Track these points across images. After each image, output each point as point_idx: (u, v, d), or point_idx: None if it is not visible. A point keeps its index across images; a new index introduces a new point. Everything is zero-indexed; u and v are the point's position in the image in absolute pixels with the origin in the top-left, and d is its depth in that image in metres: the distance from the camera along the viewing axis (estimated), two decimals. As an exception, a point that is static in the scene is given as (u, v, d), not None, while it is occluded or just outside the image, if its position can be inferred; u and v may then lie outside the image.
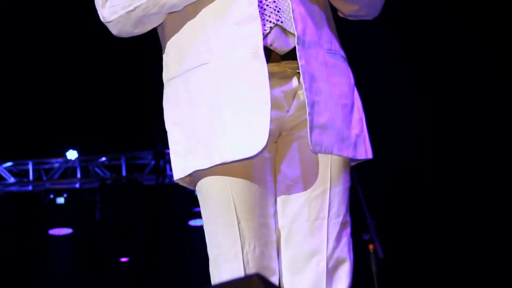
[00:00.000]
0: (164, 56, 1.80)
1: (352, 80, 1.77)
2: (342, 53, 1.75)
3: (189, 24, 1.68)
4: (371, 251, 3.77)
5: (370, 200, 3.86)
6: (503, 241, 6.17)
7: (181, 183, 1.73)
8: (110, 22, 1.71)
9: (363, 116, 1.74)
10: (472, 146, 6.52)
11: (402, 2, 5.77)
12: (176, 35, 1.72)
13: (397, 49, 6.57)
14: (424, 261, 6.16)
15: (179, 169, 1.64)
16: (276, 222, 1.65)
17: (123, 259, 5.83)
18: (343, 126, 1.66)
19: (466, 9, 6.52)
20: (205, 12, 1.64)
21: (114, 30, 1.73)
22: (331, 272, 1.62)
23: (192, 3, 1.61)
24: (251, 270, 1.60)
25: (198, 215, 2.53)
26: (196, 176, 1.62)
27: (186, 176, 1.63)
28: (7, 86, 6.56)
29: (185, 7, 1.62)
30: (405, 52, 6.63)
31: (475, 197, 6.38)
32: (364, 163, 2.04)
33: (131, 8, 1.64)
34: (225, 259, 1.59)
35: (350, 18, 1.88)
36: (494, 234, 6.22)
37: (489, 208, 6.32)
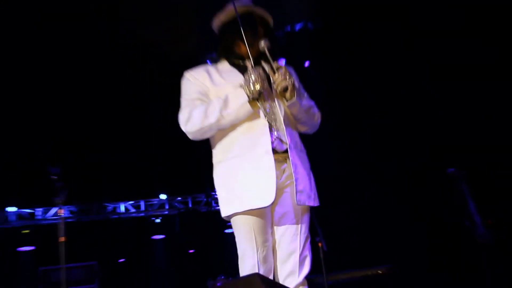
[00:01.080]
0: (213, 149, 2.66)
1: (309, 164, 2.67)
2: (304, 150, 2.68)
3: (228, 132, 2.56)
4: (320, 247, 4.69)
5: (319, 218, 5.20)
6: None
7: (224, 218, 2.60)
8: (189, 133, 2.57)
9: (314, 184, 2.65)
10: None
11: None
12: (220, 138, 2.60)
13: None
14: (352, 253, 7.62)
15: (225, 212, 2.55)
16: (272, 237, 2.57)
17: (191, 251, 9.98)
18: (309, 190, 2.58)
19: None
20: (237, 128, 2.53)
21: (191, 136, 2.60)
22: (301, 263, 2.57)
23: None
24: (261, 262, 2.49)
25: (228, 227, 3.07)
26: (232, 215, 2.52)
27: (225, 216, 2.55)
28: (118, 151, 8.88)
29: None
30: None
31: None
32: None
33: (202, 126, 2.51)
34: (247, 257, 2.49)
35: (302, 133, 2.78)
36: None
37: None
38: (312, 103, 2.78)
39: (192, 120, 2.52)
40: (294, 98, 2.56)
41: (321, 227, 4.92)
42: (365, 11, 7.70)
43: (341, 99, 8.59)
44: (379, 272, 6.82)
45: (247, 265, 2.48)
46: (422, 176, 7.63)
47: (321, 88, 8.72)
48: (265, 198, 2.41)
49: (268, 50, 2.58)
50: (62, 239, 3.95)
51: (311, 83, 9.27)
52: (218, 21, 2.82)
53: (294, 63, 8.16)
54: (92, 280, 8.26)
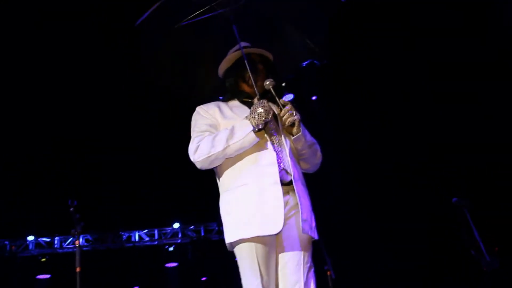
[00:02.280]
0: (220, 178, 2.73)
1: (309, 198, 2.72)
2: (305, 183, 2.73)
3: (236, 162, 2.63)
4: (329, 275, 5.28)
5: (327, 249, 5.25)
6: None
7: (227, 246, 2.61)
8: (197, 162, 2.65)
9: (314, 217, 2.70)
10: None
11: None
12: (228, 167, 2.67)
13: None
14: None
15: (230, 237, 2.57)
16: (276, 267, 2.59)
17: (203, 278, 10.08)
18: (310, 221, 2.66)
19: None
20: (246, 157, 2.61)
21: (198, 165, 2.66)
22: None
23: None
24: (265, 286, 2.48)
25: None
26: (236, 242, 2.54)
27: (229, 243, 2.56)
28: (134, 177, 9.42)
29: None
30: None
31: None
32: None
33: (209, 155, 2.60)
34: (251, 284, 2.49)
35: (304, 171, 2.85)
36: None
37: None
38: (314, 140, 2.86)
39: (199, 150, 2.61)
40: (300, 133, 2.67)
41: (330, 256, 5.21)
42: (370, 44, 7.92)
43: (348, 131, 8.76)
44: (388, 300, 7.00)
45: None
46: (428, 204, 7.71)
47: (328, 121, 8.91)
48: (273, 226, 2.47)
49: (273, 88, 2.69)
50: (78, 269, 3.98)
51: (318, 116, 9.59)
52: (222, 68, 3.00)
53: (301, 98, 8.40)
54: (107, 308, 8.38)
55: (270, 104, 2.68)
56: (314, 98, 9.76)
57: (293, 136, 2.69)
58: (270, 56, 2.99)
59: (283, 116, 2.63)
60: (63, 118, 8.61)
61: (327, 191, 8.40)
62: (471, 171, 7.48)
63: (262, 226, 2.47)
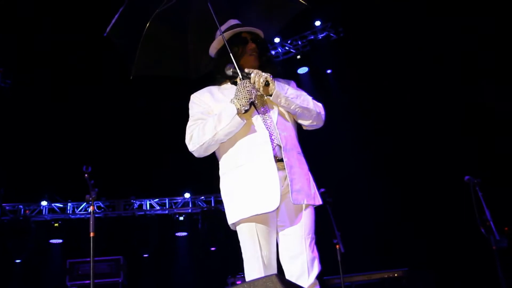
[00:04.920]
0: (219, 161, 2.82)
1: (307, 166, 2.78)
2: (302, 152, 2.78)
3: (232, 144, 2.70)
4: (337, 248, 5.49)
5: (337, 220, 5.50)
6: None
7: (230, 226, 2.71)
8: (193, 151, 2.74)
9: (314, 183, 2.75)
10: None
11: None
12: (225, 150, 2.74)
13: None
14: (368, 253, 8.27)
15: (232, 218, 2.65)
16: (277, 240, 2.67)
17: (212, 248, 10.20)
18: (307, 189, 2.68)
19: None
20: (241, 140, 2.68)
21: (195, 154, 2.75)
22: (310, 263, 2.62)
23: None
24: (265, 263, 2.60)
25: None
26: (238, 222, 2.62)
27: (231, 224, 2.65)
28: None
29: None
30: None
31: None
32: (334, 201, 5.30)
33: (201, 144, 2.67)
34: (252, 259, 2.60)
35: (309, 128, 2.89)
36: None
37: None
38: (302, 92, 2.85)
39: (193, 139, 2.70)
40: (276, 89, 2.66)
41: (339, 229, 5.33)
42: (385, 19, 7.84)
43: (362, 106, 8.72)
44: (396, 275, 7.06)
45: (253, 269, 2.59)
46: (439, 182, 7.69)
47: (343, 95, 8.85)
48: (270, 203, 2.53)
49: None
50: (92, 234, 4.04)
51: (332, 90, 9.56)
52: (213, 48, 3.03)
53: (316, 70, 8.38)
54: (118, 274, 8.49)
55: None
56: (329, 71, 9.71)
57: (271, 96, 2.69)
58: (261, 33, 2.98)
59: (255, 80, 2.63)
60: (77, 85, 8.89)
61: (340, 163, 8.51)
62: (485, 149, 7.52)
63: (259, 204, 2.53)
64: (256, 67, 2.82)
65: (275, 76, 2.78)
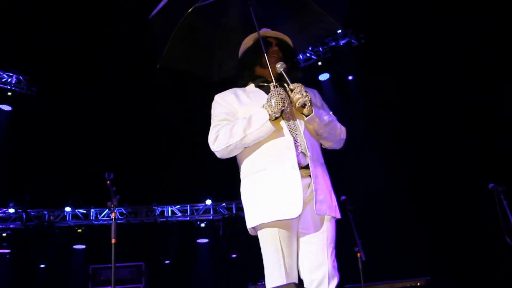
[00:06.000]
0: (240, 165, 2.78)
1: (329, 178, 2.75)
2: (325, 164, 2.78)
3: (255, 148, 2.68)
4: (359, 256, 5.33)
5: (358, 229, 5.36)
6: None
7: (249, 231, 2.70)
8: (216, 151, 2.72)
9: (335, 196, 2.73)
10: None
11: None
12: (247, 154, 2.72)
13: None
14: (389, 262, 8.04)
15: (251, 223, 2.64)
16: (298, 250, 2.64)
17: (233, 255, 10.21)
18: (330, 201, 2.66)
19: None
20: (264, 144, 2.66)
21: (218, 155, 2.74)
22: (331, 273, 2.62)
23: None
24: (288, 272, 2.57)
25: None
26: (259, 227, 2.60)
27: (251, 228, 2.63)
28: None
29: None
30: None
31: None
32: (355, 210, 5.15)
33: (228, 145, 2.66)
34: (274, 268, 2.56)
35: (328, 148, 2.92)
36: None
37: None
38: (333, 118, 2.87)
39: (218, 140, 2.68)
40: (312, 113, 2.68)
41: (361, 238, 5.24)
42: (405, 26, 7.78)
43: (382, 113, 8.65)
44: (418, 284, 6.92)
45: (274, 278, 2.56)
46: (464, 190, 7.59)
47: (363, 102, 8.79)
48: (292, 210, 2.51)
49: (285, 71, 2.74)
50: (113, 240, 4.08)
51: (353, 96, 9.50)
52: (240, 52, 3.05)
53: (338, 77, 8.36)
54: (140, 280, 8.56)
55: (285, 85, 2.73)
56: (350, 78, 9.66)
57: (306, 117, 2.70)
58: (287, 39, 3.00)
59: (294, 98, 2.65)
60: (100, 92, 8.95)
61: (361, 170, 8.46)
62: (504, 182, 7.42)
63: (282, 210, 2.51)
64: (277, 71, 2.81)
65: (298, 81, 2.77)
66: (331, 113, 2.95)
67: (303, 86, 2.70)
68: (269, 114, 2.60)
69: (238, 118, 2.75)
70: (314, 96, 2.95)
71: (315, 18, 3.30)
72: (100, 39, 8.32)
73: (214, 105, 2.86)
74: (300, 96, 2.65)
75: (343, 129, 2.91)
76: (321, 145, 2.89)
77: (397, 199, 8.42)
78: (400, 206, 8.38)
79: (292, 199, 2.52)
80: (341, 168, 5.68)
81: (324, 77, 9.84)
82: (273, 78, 2.76)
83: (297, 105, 2.66)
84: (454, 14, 7.39)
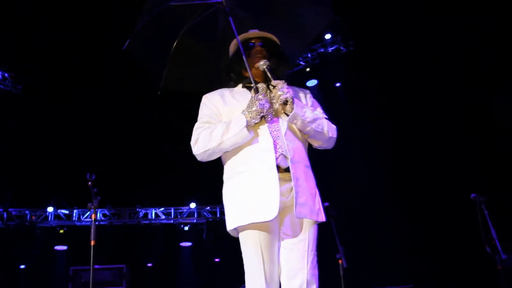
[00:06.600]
0: (223, 166, 2.82)
1: (315, 180, 2.75)
2: (310, 166, 2.76)
3: (236, 150, 2.70)
4: (340, 263, 5.35)
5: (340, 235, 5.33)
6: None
7: (230, 233, 2.69)
8: (196, 155, 2.74)
9: (320, 199, 2.71)
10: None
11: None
12: (229, 156, 2.74)
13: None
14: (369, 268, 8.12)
15: (230, 225, 2.64)
16: (278, 252, 2.63)
17: (217, 259, 10.17)
18: (312, 204, 2.62)
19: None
20: (246, 147, 2.67)
21: (198, 158, 2.75)
22: (310, 280, 2.61)
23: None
24: (268, 278, 2.54)
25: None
26: (241, 229, 2.59)
27: (232, 229, 2.62)
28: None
29: None
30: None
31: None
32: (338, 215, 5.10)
33: (206, 149, 2.69)
34: (255, 272, 2.55)
35: (318, 148, 2.89)
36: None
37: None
38: (319, 116, 2.83)
39: (198, 143, 2.71)
40: (294, 111, 2.65)
41: (342, 244, 5.22)
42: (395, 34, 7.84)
43: (372, 117, 8.70)
44: (400, 291, 6.94)
45: (254, 280, 2.54)
46: (445, 199, 7.62)
47: (351, 108, 8.81)
48: (268, 212, 2.49)
49: (268, 69, 2.75)
50: (92, 242, 4.04)
51: (341, 103, 9.52)
52: (229, 54, 3.08)
53: (325, 84, 8.36)
54: (121, 282, 8.49)
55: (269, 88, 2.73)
56: (338, 84, 9.70)
57: (287, 115, 2.68)
58: (272, 36, 2.99)
59: (275, 96, 2.64)
60: (83, 95, 8.94)
61: (347, 176, 8.46)
62: (491, 166, 7.47)
63: (257, 212, 2.49)
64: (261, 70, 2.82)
65: (283, 78, 2.77)
66: (323, 113, 2.93)
67: (285, 83, 2.69)
68: (247, 120, 2.61)
69: (224, 119, 2.76)
70: (305, 96, 2.96)
71: (306, 11, 3.31)
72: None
73: (201, 106, 2.88)
74: (281, 93, 2.64)
75: (333, 127, 2.87)
76: (309, 146, 2.87)
77: (382, 208, 8.45)
78: (385, 214, 8.44)
79: (268, 201, 2.51)
80: (327, 174, 5.66)
81: (311, 83, 9.85)
82: (252, 81, 2.78)
83: (278, 102, 2.65)
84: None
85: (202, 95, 3.13)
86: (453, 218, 7.55)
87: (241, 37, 2.95)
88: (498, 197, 5.54)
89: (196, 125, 2.79)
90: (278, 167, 2.58)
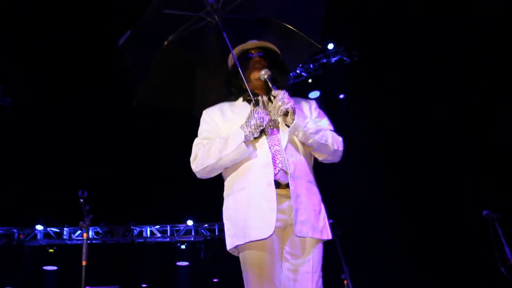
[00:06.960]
0: (224, 183, 2.77)
1: (319, 196, 2.68)
2: (314, 181, 2.69)
3: (236, 165, 2.65)
4: (345, 284, 5.27)
5: (346, 255, 5.22)
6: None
7: (231, 252, 2.62)
8: (196, 172, 2.72)
9: (325, 216, 2.65)
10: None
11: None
12: (228, 172, 2.70)
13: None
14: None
15: (229, 244, 2.57)
16: (280, 273, 2.54)
17: (215, 280, 9.88)
18: (314, 221, 2.56)
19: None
20: (245, 162, 2.62)
21: (198, 175, 2.72)
22: None
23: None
24: None
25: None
26: (241, 248, 2.53)
27: (232, 248, 2.56)
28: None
29: None
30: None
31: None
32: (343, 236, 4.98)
33: (204, 166, 2.66)
34: None
35: (324, 162, 2.82)
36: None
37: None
38: (322, 128, 2.73)
39: (197, 160, 2.67)
40: (295, 122, 2.58)
41: (348, 265, 5.09)
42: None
43: (375, 130, 8.62)
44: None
45: None
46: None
47: (355, 121, 8.72)
48: (265, 229, 2.42)
49: (269, 78, 2.70)
50: (84, 262, 3.87)
51: (345, 115, 9.38)
52: (229, 67, 3.03)
53: (328, 95, 8.28)
54: (113, 304, 8.19)
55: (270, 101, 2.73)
56: (341, 96, 9.60)
57: (288, 127, 2.62)
58: (271, 45, 2.96)
59: (276, 106, 2.60)
60: (78, 110, 8.92)
61: (351, 192, 8.39)
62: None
63: (254, 230, 2.45)
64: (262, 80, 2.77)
65: (285, 89, 2.69)
66: (330, 125, 2.83)
67: (286, 93, 2.62)
68: (246, 135, 2.55)
69: (223, 135, 2.71)
70: (310, 107, 2.88)
71: (292, 41, 3.33)
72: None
73: (201, 121, 2.85)
74: (281, 103, 2.57)
75: (339, 140, 2.78)
76: (315, 160, 2.80)
77: (388, 225, 8.29)
78: (392, 231, 8.26)
79: (264, 219, 2.44)
80: (331, 190, 5.46)
81: (314, 94, 9.79)
82: (251, 93, 2.74)
83: (279, 113, 2.59)
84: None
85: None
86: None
87: (239, 48, 2.94)
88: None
89: (195, 141, 2.76)
90: (278, 183, 2.53)
